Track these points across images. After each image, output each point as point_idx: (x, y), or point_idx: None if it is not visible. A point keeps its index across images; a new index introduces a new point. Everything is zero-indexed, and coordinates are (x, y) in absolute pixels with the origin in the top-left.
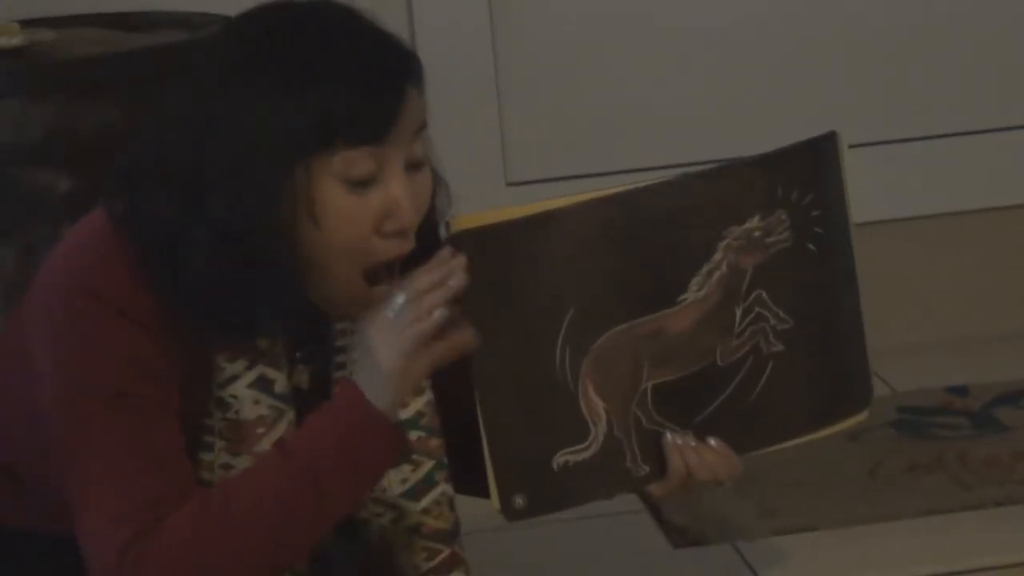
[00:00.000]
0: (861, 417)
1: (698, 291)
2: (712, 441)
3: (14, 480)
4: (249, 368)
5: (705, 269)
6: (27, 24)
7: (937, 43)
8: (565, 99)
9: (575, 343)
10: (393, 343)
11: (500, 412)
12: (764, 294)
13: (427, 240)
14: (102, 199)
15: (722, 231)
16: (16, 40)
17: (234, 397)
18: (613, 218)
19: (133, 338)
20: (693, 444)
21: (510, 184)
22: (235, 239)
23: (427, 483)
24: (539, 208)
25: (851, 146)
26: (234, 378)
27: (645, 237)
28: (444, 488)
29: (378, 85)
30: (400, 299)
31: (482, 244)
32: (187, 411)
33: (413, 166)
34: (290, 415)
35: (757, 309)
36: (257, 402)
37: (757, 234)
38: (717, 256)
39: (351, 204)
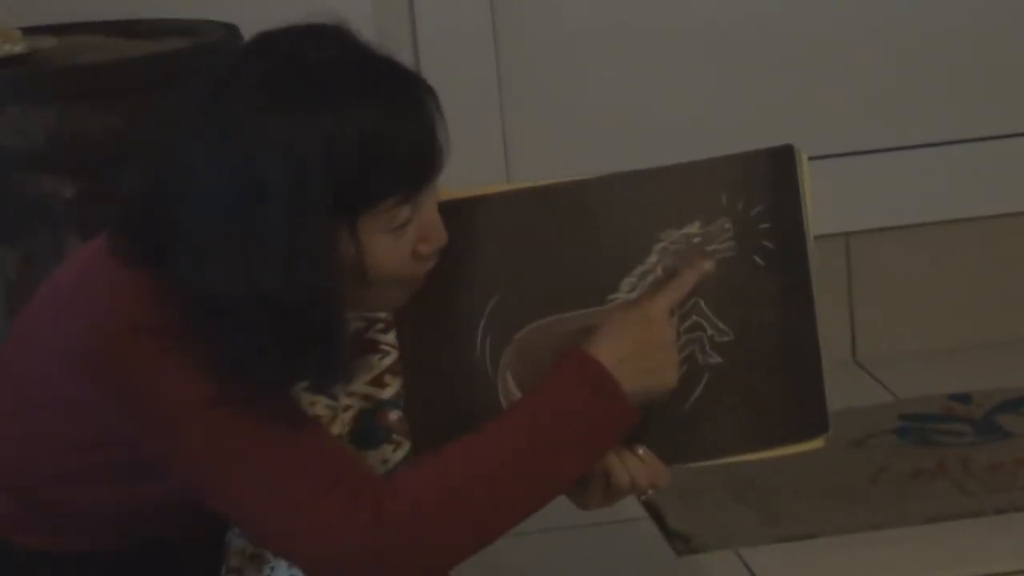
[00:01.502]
0: (814, 445)
1: (630, 292)
2: (640, 449)
3: (28, 503)
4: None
5: (639, 270)
6: (29, 31)
7: (952, 48)
8: (567, 102)
9: (497, 332)
10: (674, 364)
11: (423, 394)
12: (702, 302)
13: None
14: (128, 240)
15: (659, 233)
16: (18, 47)
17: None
18: (547, 209)
19: (188, 358)
20: (617, 450)
21: None
22: (288, 309)
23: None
24: (473, 192)
25: (847, 154)
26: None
27: (578, 231)
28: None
29: (421, 139)
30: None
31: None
32: None
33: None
34: (346, 414)
35: (694, 317)
36: (313, 403)
37: (696, 240)
38: (652, 259)
39: (391, 245)
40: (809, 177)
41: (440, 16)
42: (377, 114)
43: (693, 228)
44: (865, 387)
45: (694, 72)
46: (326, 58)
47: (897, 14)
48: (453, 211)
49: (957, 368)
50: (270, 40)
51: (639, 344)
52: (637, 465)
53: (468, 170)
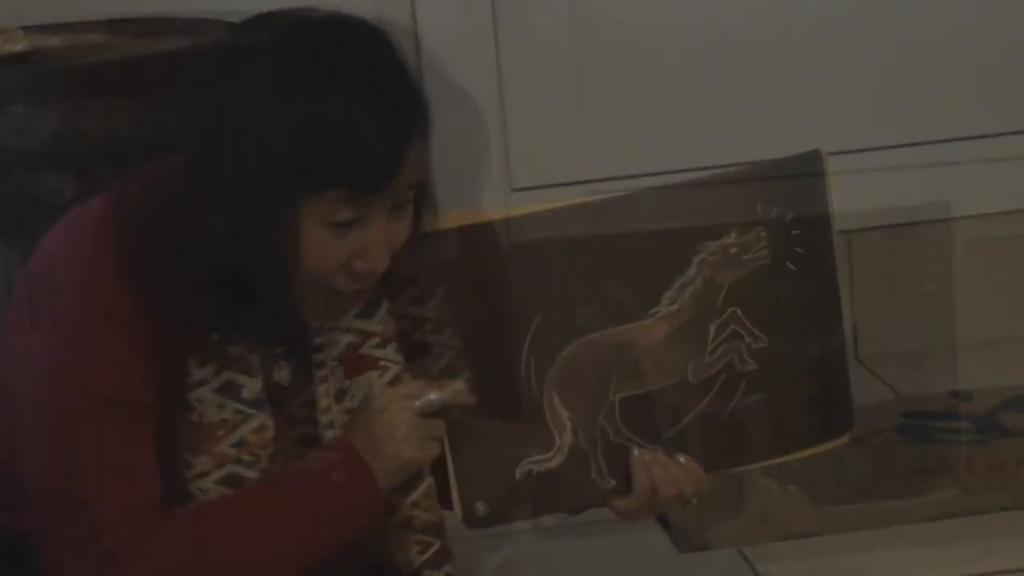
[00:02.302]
0: (841, 441)
1: (670, 305)
2: (681, 458)
3: (14, 485)
4: (217, 373)
5: (679, 283)
6: (31, 30)
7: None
8: (570, 104)
9: (541, 350)
10: (416, 440)
11: (465, 416)
12: (739, 311)
13: (403, 261)
14: (112, 190)
15: (697, 245)
16: (20, 46)
17: (199, 401)
18: (587, 226)
19: (118, 342)
20: (661, 459)
21: (515, 190)
22: (233, 258)
23: (415, 475)
24: (517, 211)
25: (840, 152)
26: (202, 382)
27: (618, 247)
28: (430, 480)
29: (380, 143)
30: (433, 397)
31: (463, 242)
32: (160, 411)
33: (399, 206)
34: (258, 419)
35: (732, 326)
36: (221, 406)
37: (733, 250)
38: (691, 270)
39: (326, 242)
40: (832, 181)
41: (442, 20)
42: (352, 109)
43: (730, 239)
44: (867, 384)
45: (700, 75)
46: (334, 46)
47: (937, 26)
48: (487, 233)
49: (960, 366)
50: (285, 17)
51: (372, 431)
52: (682, 475)
53: (471, 172)
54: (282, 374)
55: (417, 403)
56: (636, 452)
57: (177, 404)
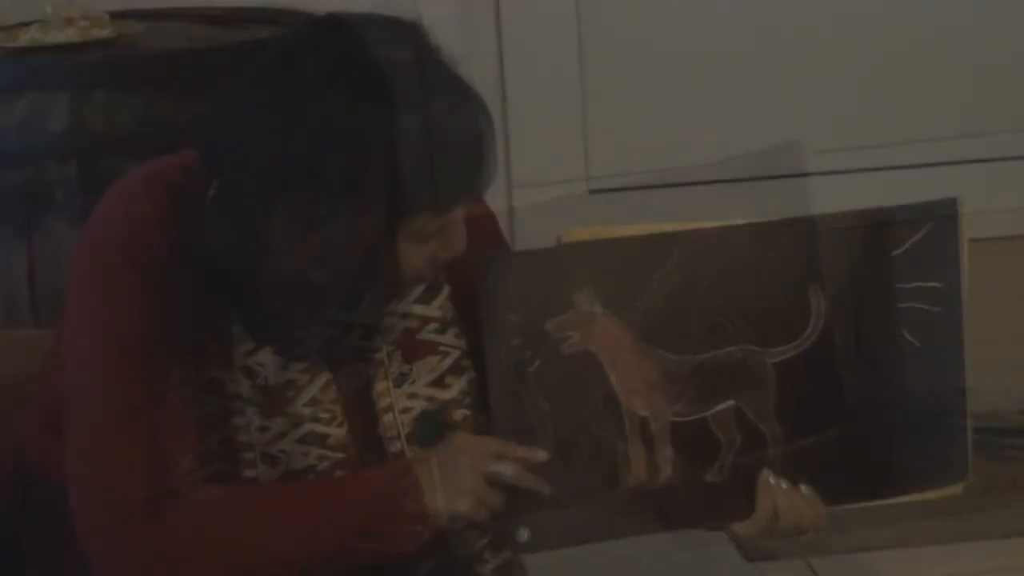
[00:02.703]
0: (955, 490)
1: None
2: (804, 488)
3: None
4: None
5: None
6: (117, 16)
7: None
8: (650, 108)
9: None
10: (475, 498)
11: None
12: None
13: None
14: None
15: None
16: (105, 32)
17: (260, 365)
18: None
19: (158, 302)
20: (785, 487)
21: (593, 192)
22: (316, 282)
23: None
24: (654, 229)
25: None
26: (259, 347)
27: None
28: None
29: (466, 150)
30: (508, 472)
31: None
32: (206, 376)
33: None
34: (323, 376)
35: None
36: (284, 367)
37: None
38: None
39: (414, 251)
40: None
41: (525, 9)
42: (436, 123)
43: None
44: None
45: (789, 83)
46: (395, 57)
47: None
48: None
49: None
50: (343, 27)
51: (439, 467)
52: (803, 506)
53: (549, 175)
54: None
55: (490, 468)
56: (764, 476)
57: (233, 371)
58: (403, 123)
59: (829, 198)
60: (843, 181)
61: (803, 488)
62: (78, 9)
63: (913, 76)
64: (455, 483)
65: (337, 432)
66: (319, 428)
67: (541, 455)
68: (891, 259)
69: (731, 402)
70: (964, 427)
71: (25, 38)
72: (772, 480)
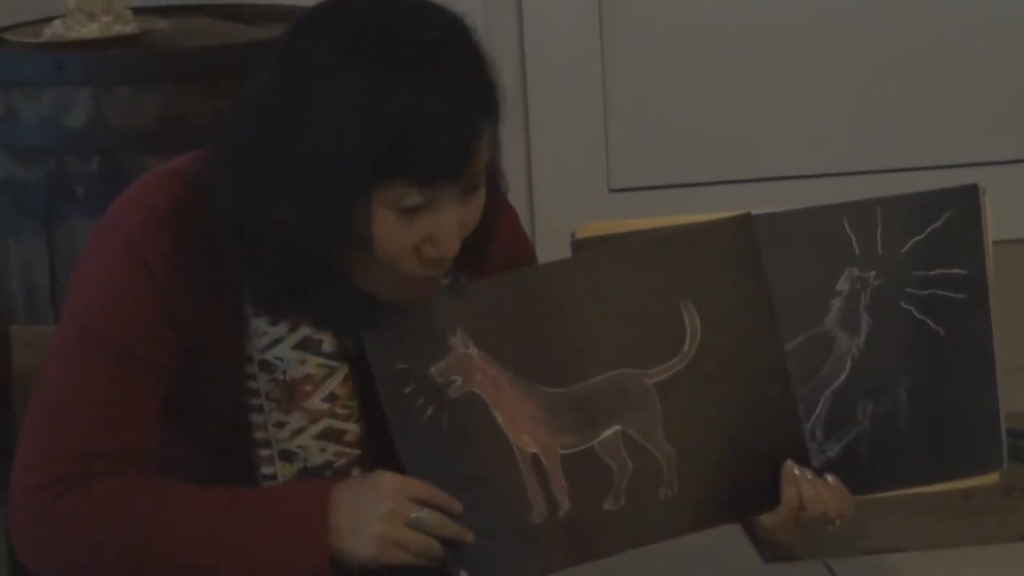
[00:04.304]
0: (991, 478)
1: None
2: (829, 477)
3: None
4: (293, 330)
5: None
6: (139, 12)
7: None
8: (670, 107)
9: None
10: (387, 543)
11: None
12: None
13: (478, 239)
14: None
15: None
16: (128, 28)
17: (279, 359)
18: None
19: (148, 295)
20: (810, 476)
21: (612, 191)
22: (299, 238)
23: None
24: (665, 221)
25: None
26: (277, 341)
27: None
28: None
29: (451, 130)
30: (428, 520)
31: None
32: (219, 373)
33: (470, 190)
34: (342, 371)
35: None
36: (303, 362)
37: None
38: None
39: (396, 228)
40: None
41: (547, 15)
42: (422, 96)
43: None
44: None
45: (801, 80)
46: (407, 32)
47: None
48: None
49: None
50: (356, 2)
51: (356, 503)
52: (830, 495)
53: (570, 173)
54: (348, 344)
55: (411, 516)
56: (788, 466)
57: (250, 366)
58: (395, 93)
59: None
60: (863, 182)
61: (828, 477)
62: (101, 5)
63: (931, 85)
64: (367, 528)
65: (354, 428)
66: (336, 424)
67: (456, 507)
68: (912, 246)
69: (617, 428)
70: (997, 414)
71: (48, 33)
72: (796, 470)
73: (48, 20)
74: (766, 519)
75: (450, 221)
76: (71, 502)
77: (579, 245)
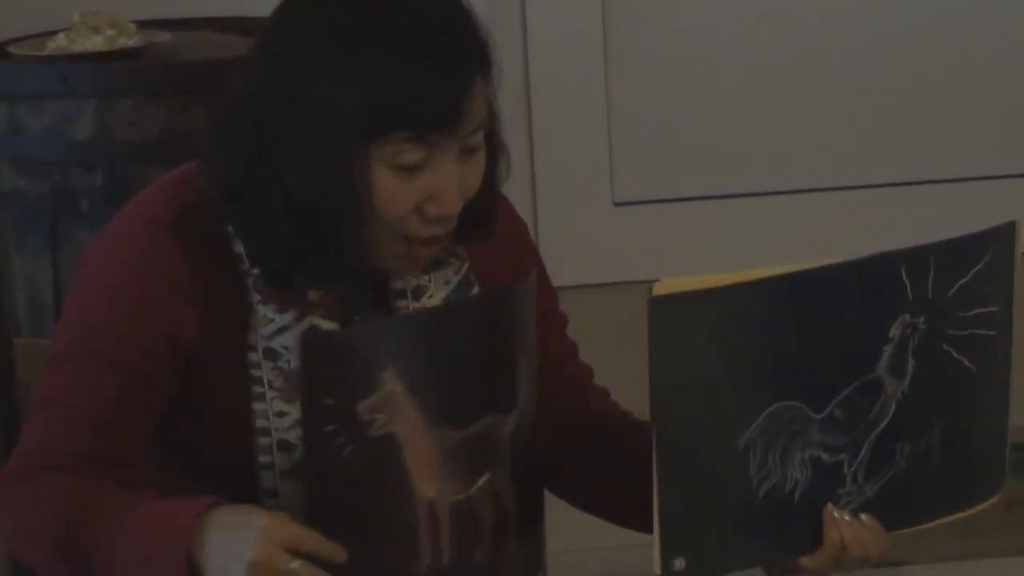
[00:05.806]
0: (986, 506)
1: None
2: (865, 518)
3: None
4: (299, 319)
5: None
6: (144, 25)
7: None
8: (675, 121)
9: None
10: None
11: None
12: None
13: (481, 210)
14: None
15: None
16: (132, 41)
17: (284, 348)
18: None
19: (147, 303)
20: (848, 519)
21: (617, 204)
22: (301, 203)
23: None
24: (744, 276)
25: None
26: (283, 329)
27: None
28: None
29: (443, 82)
30: (299, 571)
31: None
32: (223, 366)
33: (468, 151)
34: None
35: None
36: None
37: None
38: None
39: (396, 186)
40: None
41: (552, 34)
42: (412, 50)
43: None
44: None
45: (805, 95)
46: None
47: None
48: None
49: None
50: None
51: (229, 538)
52: (868, 537)
53: (573, 186)
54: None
55: (284, 568)
56: (829, 509)
57: (254, 354)
58: (385, 52)
59: (881, 210)
60: (870, 196)
61: (864, 518)
62: (105, 18)
63: (941, 99)
64: (235, 560)
65: None
66: None
67: (341, 556)
68: (958, 289)
69: (487, 476)
70: (1005, 440)
71: (52, 46)
72: (836, 513)
73: (52, 33)
74: (807, 562)
75: (450, 179)
76: (10, 489)
77: (655, 304)
